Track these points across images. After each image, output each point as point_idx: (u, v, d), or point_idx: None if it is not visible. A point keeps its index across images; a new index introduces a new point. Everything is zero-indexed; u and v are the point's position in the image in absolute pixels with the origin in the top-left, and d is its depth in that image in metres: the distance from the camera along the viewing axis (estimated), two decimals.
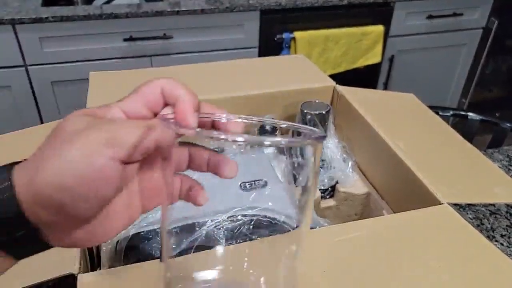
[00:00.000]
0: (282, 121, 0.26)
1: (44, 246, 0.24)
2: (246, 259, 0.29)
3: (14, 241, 0.23)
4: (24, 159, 0.24)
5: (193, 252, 0.49)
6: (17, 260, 0.24)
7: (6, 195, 0.22)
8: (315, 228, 0.47)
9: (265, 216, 0.45)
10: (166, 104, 0.26)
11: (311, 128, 0.26)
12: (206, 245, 0.50)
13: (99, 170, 0.22)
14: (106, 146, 0.22)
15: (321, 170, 0.62)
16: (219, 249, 0.27)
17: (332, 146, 0.61)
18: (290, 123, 0.26)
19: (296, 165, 0.29)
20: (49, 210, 0.22)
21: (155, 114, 0.26)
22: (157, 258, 0.49)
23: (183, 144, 0.27)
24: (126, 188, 0.25)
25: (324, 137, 0.26)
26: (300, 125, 0.26)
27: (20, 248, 0.23)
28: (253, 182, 0.50)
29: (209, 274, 0.28)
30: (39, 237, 0.23)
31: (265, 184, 0.51)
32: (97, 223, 0.24)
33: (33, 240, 0.23)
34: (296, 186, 0.62)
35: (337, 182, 0.65)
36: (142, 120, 0.25)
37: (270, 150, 0.63)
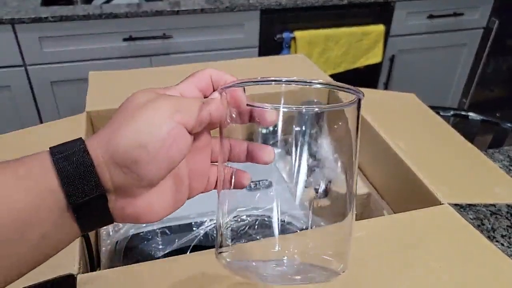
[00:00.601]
0: (320, 80, 0.27)
1: (107, 217, 0.26)
2: (308, 242, 0.31)
3: (85, 204, 0.24)
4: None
5: (190, 252, 0.49)
6: (81, 231, 0.26)
7: (81, 157, 0.24)
8: (312, 228, 0.47)
9: (270, 217, 0.45)
10: (214, 90, 0.30)
11: (348, 86, 0.27)
12: (205, 245, 0.50)
13: (169, 132, 0.25)
14: (174, 112, 0.25)
15: (317, 169, 0.62)
16: (275, 237, 0.29)
17: (325, 146, 0.61)
18: (328, 82, 0.27)
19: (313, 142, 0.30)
20: (123, 169, 0.24)
21: (205, 97, 0.30)
22: (156, 258, 0.49)
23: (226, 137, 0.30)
24: (178, 168, 0.28)
25: (360, 97, 0.27)
26: (337, 84, 0.28)
27: (88, 216, 0.25)
28: (258, 182, 0.50)
29: (271, 259, 0.29)
30: (106, 204, 0.25)
31: (269, 185, 0.51)
32: (155, 197, 0.27)
33: (101, 208, 0.25)
34: (306, 187, 0.62)
35: (330, 182, 0.65)
36: (198, 98, 0.28)
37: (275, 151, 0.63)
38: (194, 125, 0.26)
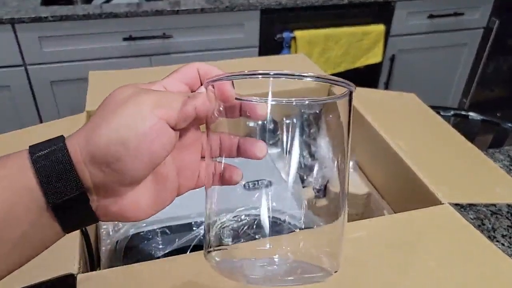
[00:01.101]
0: (309, 73, 0.26)
1: (90, 216, 0.25)
2: (300, 241, 0.30)
3: (65, 204, 0.24)
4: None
5: (190, 252, 0.49)
6: (64, 232, 0.25)
7: (60, 155, 0.23)
8: (313, 227, 0.47)
9: (269, 216, 0.45)
10: (202, 84, 0.29)
11: (339, 79, 0.27)
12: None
13: (151, 127, 0.24)
14: (156, 107, 0.24)
15: (315, 169, 0.62)
16: (266, 239, 0.28)
17: (324, 146, 0.61)
18: (318, 75, 0.26)
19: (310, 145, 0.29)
20: (104, 167, 0.24)
21: (192, 92, 0.29)
22: (156, 258, 0.49)
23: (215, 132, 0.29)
24: (164, 165, 0.27)
25: (351, 90, 0.27)
26: (327, 77, 0.26)
27: (69, 215, 0.24)
28: (257, 182, 0.50)
29: (260, 261, 0.29)
30: (88, 204, 0.25)
31: (269, 184, 0.51)
32: (141, 195, 0.26)
33: (82, 207, 0.25)
34: (304, 186, 0.62)
35: (328, 181, 0.65)
36: (182, 92, 0.27)
37: (274, 151, 0.63)
38: (178, 120, 0.25)
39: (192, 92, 0.29)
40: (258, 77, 0.26)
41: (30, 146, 0.24)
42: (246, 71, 0.26)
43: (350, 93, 0.28)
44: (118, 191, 0.25)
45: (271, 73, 0.26)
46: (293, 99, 0.27)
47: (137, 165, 0.24)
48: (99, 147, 0.23)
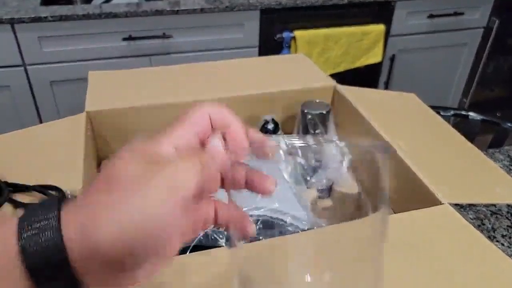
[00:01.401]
0: (338, 141, 0.25)
1: None
2: (327, 245, 0.29)
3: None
4: (73, 199, 0.22)
5: (190, 252, 0.49)
6: None
7: (54, 242, 0.20)
8: (313, 228, 0.47)
9: (272, 217, 0.45)
10: (213, 127, 0.26)
11: (378, 145, 0.26)
12: (205, 245, 0.50)
13: (164, 220, 0.21)
14: (168, 194, 0.21)
15: (320, 170, 0.62)
16: (289, 236, 0.27)
17: (328, 147, 0.61)
18: (351, 142, 0.26)
19: (308, 167, 0.29)
20: (103, 267, 0.21)
21: (202, 141, 0.26)
22: None
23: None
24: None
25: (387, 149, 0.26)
26: (359, 143, 0.26)
27: None
28: None
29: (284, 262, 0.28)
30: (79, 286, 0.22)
31: None
32: (143, 270, 0.23)
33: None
34: (308, 188, 0.62)
35: (333, 183, 0.65)
36: (195, 156, 0.24)
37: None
38: (195, 194, 0.22)
39: (201, 141, 0.26)
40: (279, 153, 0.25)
41: (19, 218, 0.21)
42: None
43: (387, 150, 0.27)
44: (115, 281, 0.22)
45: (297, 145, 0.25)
46: (325, 143, 0.26)
47: (143, 268, 0.21)
48: (99, 248, 0.20)
